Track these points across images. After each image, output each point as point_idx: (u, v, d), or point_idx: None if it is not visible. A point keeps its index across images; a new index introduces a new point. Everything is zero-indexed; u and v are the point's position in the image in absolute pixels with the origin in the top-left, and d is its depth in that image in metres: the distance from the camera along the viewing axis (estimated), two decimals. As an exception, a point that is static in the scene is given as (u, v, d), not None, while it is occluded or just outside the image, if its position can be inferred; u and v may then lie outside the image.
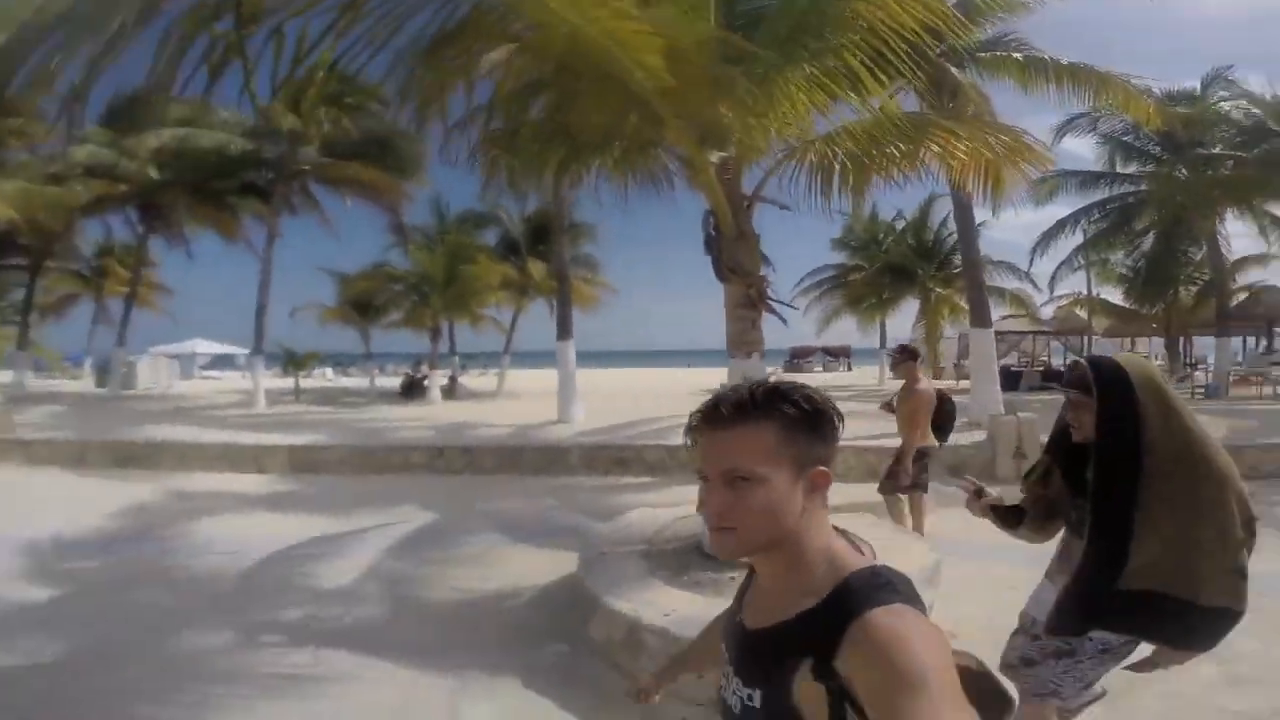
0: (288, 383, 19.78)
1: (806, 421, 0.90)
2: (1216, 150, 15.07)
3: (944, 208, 18.30)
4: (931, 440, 5.16)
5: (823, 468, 0.91)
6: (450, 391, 18.85)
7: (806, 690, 0.84)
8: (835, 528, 0.97)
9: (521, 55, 4.43)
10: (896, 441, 5.31)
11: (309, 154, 16.71)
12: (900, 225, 20.70)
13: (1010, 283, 18.84)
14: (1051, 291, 18.80)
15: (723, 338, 4.87)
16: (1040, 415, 9.61)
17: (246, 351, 34.02)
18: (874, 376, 23.38)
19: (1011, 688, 1.16)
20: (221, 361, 31.92)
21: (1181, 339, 19.54)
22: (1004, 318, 19.84)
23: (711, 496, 0.91)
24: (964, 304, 19.36)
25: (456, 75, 4.51)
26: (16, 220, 14.97)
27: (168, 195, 17.89)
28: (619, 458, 9.04)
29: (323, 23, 3.34)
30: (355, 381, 26.27)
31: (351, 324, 19.02)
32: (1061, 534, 2.20)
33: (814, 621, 0.85)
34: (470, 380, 23.10)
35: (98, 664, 3.62)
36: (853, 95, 4.46)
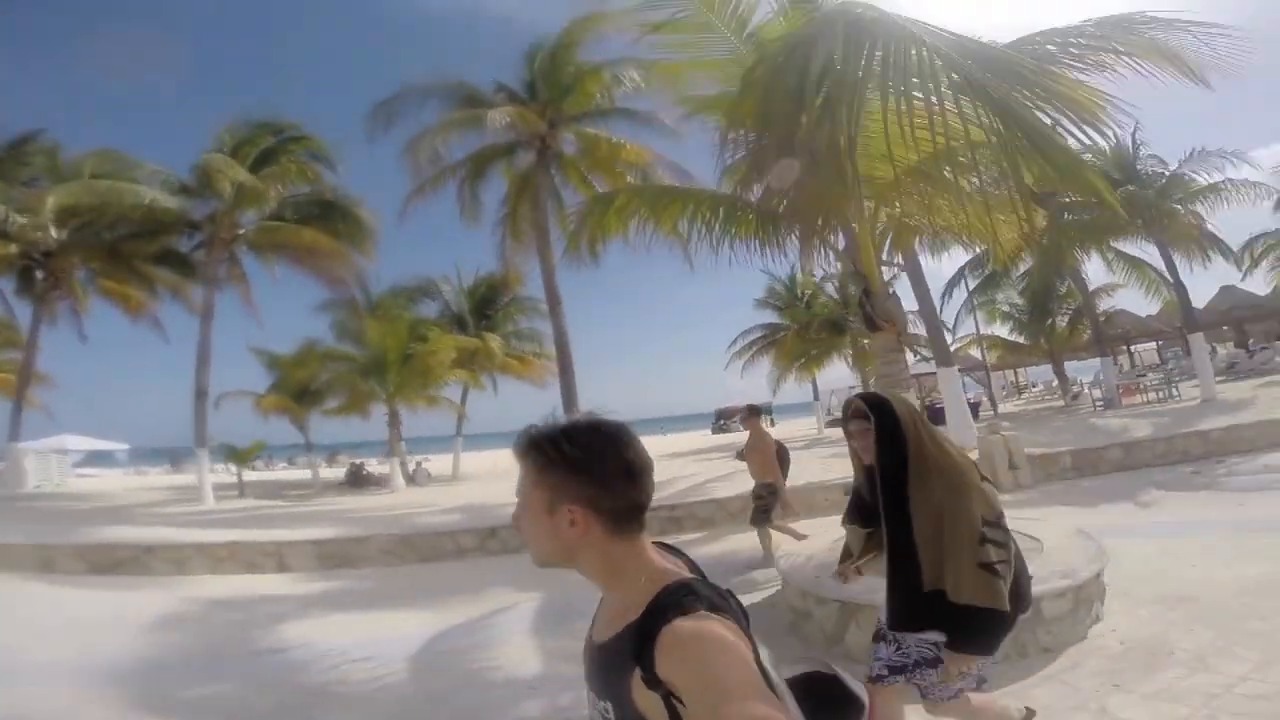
0: (212, 478, 17.35)
1: (557, 464, 0.98)
2: (1070, 198, 17.88)
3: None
4: (777, 477, 6.45)
5: (577, 507, 0.97)
6: (412, 478, 17.51)
7: (643, 698, 0.90)
8: (661, 544, 1.08)
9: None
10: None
11: (249, 217, 14.94)
12: (816, 285, 22.52)
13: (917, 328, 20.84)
14: (954, 333, 21.27)
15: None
16: (1018, 431, 11.10)
17: (125, 447, 30.00)
18: (805, 428, 24.72)
19: (862, 690, 1.22)
20: (96, 459, 27.34)
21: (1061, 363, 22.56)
22: (918, 360, 22.00)
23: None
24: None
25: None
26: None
27: (71, 259, 15.23)
28: (671, 516, 8.88)
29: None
30: (290, 474, 23.50)
31: (286, 411, 17.16)
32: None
33: (635, 633, 0.92)
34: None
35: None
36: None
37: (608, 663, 0.97)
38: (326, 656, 4.84)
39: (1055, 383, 27.27)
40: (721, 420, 35.19)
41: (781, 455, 6.61)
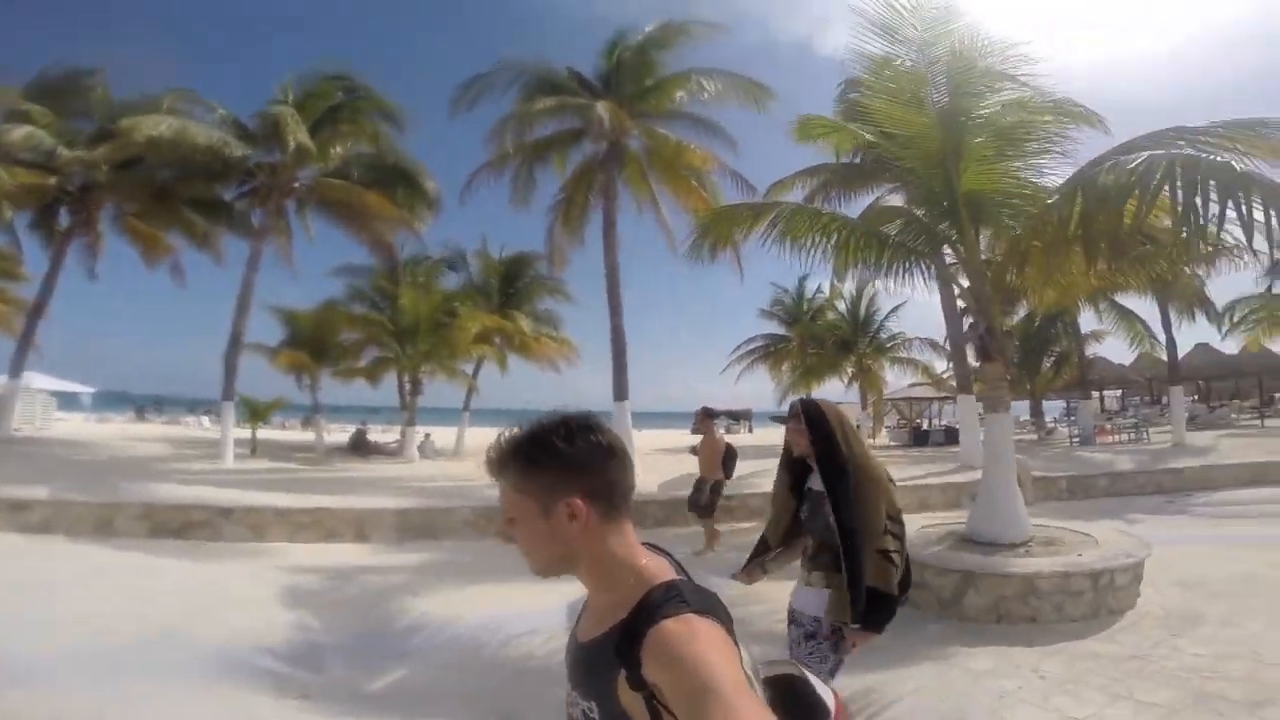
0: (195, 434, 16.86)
1: (543, 462, 0.98)
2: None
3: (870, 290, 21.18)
4: (721, 474, 7.47)
5: (575, 498, 0.97)
6: (421, 450, 17.31)
7: (628, 699, 0.90)
8: (646, 544, 1.08)
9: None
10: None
11: (307, 171, 14.54)
12: (822, 301, 23.47)
13: (922, 355, 21.96)
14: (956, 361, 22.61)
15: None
16: (1025, 457, 12.04)
17: (90, 390, 28.59)
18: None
19: (829, 695, 1.20)
20: (61, 400, 26.11)
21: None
22: (912, 385, 23.11)
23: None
24: (883, 374, 22.39)
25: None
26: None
27: (107, 196, 14.56)
28: (726, 506, 9.15)
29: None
30: (283, 435, 22.88)
31: (301, 369, 16.82)
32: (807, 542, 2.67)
33: (622, 633, 0.91)
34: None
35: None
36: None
37: (592, 662, 0.97)
38: (489, 630, 4.88)
39: (1023, 417, 28.84)
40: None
41: (729, 455, 7.55)
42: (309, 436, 21.16)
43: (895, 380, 23.41)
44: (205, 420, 29.18)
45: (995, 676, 3.86)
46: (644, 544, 1.07)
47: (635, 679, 0.87)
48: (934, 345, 21.57)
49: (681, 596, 0.91)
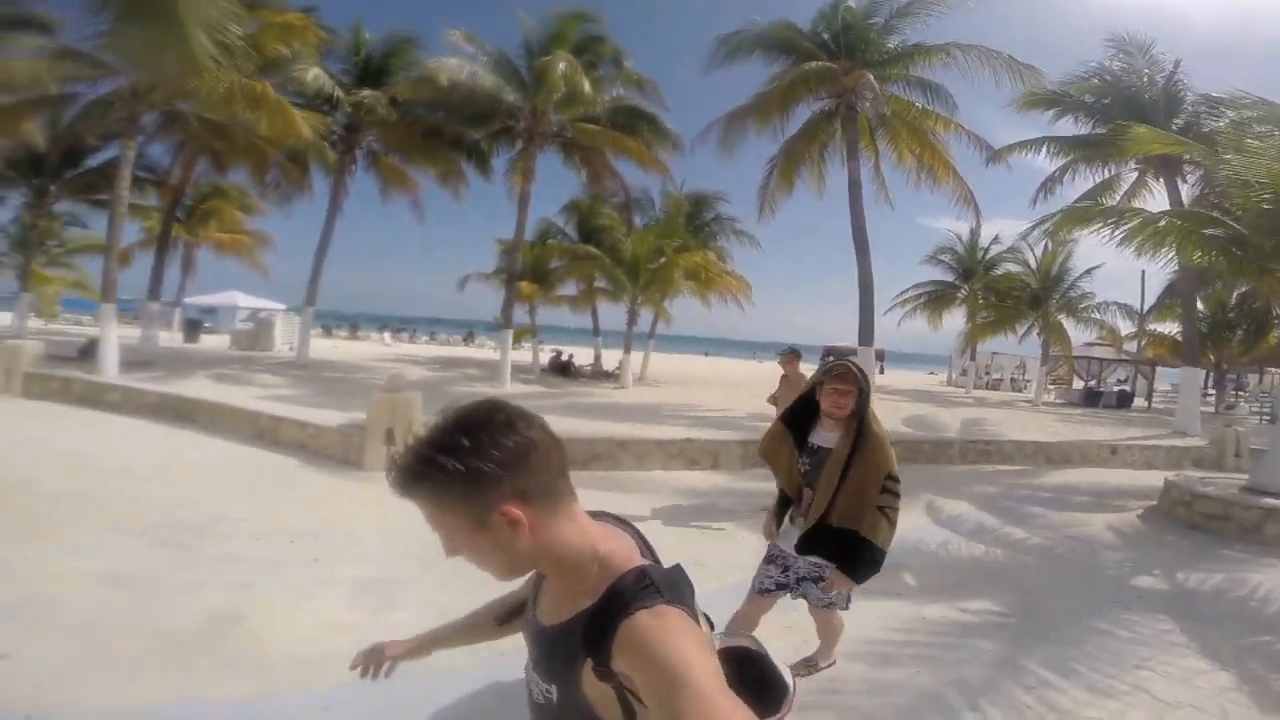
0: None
1: (450, 485, 0.91)
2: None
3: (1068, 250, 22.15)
4: None
5: (507, 506, 0.91)
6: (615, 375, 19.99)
7: (593, 689, 0.91)
8: (606, 516, 1.08)
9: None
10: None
11: (558, 116, 16.16)
12: (999, 252, 24.72)
13: (1106, 315, 22.75)
14: (1141, 326, 23.65)
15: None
16: (1247, 429, 13.18)
17: (282, 308, 32.81)
18: (920, 381, 27.00)
19: (789, 676, 1.21)
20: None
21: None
22: (1087, 344, 24.38)
23: None
24: (1067, 328, 23.68)
25: None
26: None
27: (387, 135, 16.93)
28: (984, 449, 11.30)
29: None
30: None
31: (530, 298, 19.81)
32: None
33: (590, 623, 0.91)
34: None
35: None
36: None
37: (555, 647, 0.98)
38: (921, 536, 6.59)
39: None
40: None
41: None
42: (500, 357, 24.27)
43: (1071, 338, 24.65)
44: (386, 337, 33.82)
45: (1306, 579, 5.77)
46: (602, 515, 1.08)
47: (603, 670, 0.88)
48: (1127, 310, 22.65)
49: (654, 586, 0.91)
